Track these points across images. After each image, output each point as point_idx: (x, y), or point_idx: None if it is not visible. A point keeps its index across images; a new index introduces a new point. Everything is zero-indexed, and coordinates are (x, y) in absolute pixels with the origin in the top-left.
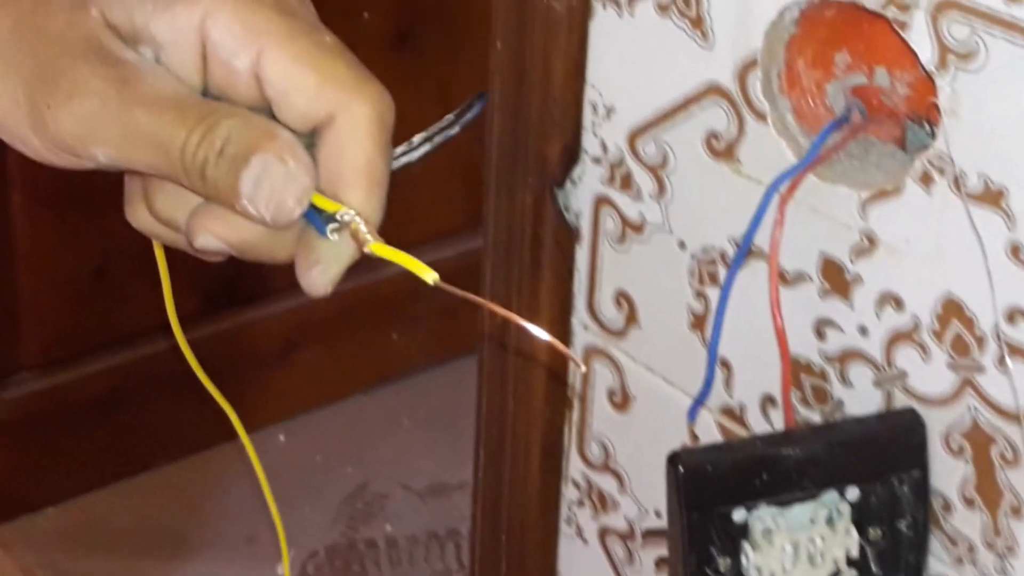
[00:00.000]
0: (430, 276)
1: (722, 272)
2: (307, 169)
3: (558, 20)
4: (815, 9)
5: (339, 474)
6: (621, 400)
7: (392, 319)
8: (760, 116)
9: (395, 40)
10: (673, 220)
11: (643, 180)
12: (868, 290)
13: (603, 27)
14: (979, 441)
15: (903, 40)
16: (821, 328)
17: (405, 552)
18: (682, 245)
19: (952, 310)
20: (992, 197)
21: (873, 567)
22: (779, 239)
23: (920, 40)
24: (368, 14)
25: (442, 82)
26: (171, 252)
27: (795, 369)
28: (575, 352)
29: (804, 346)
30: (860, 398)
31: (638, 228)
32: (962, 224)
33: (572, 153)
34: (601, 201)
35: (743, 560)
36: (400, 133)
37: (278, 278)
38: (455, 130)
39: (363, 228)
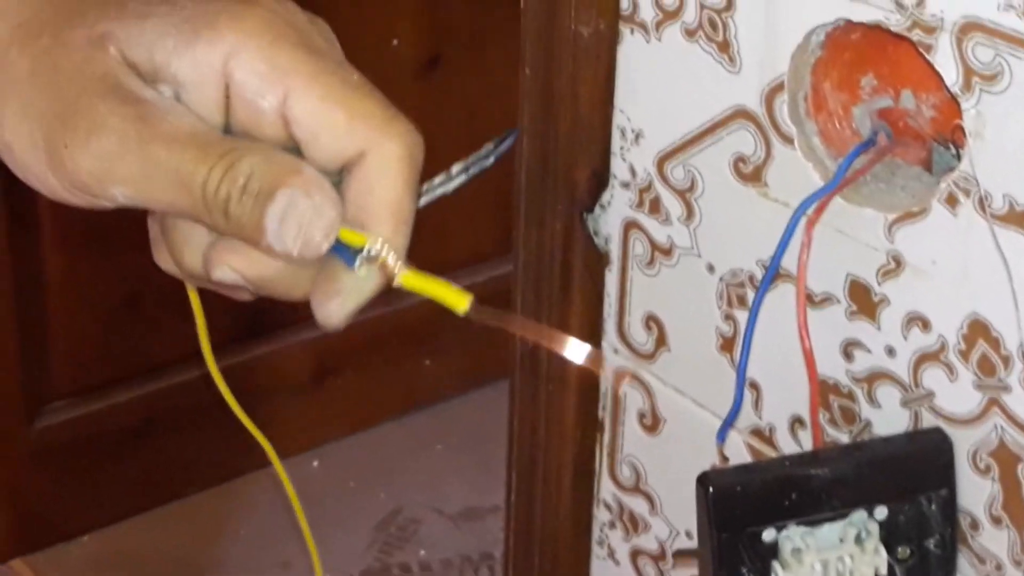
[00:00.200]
0: (462, 306)
1: (750, 295)
2: (334, 203)
3: (586, 46)
4: (841, 32)
5: (372, 499)
6: (651, 422)
7: (424, 345)
8: (787, 139)
9: (424, 66)
10: (701, 243)
11: (671, 204)
12: (895, 311)
13: (631, 52)
14: (1006, 460)
15: (928, 62)
16: (849, 349)
17: None
18: (711, 268)
19: (978, 330)
20: (1017, 218)
21: None
22: (806, 261)
23: (945, 62)
24: (398, 41)
25: (471, 107)
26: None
27: (823, 390)
28: (606, 378)
29: (832, 367)
30: (888, 418)
31: (667, 252)
32: (987, 245)
33: (601, 178)
34: (630, 225)
35: None
36: (430, 158)
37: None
38: (491, 161)
39: (392, 259)
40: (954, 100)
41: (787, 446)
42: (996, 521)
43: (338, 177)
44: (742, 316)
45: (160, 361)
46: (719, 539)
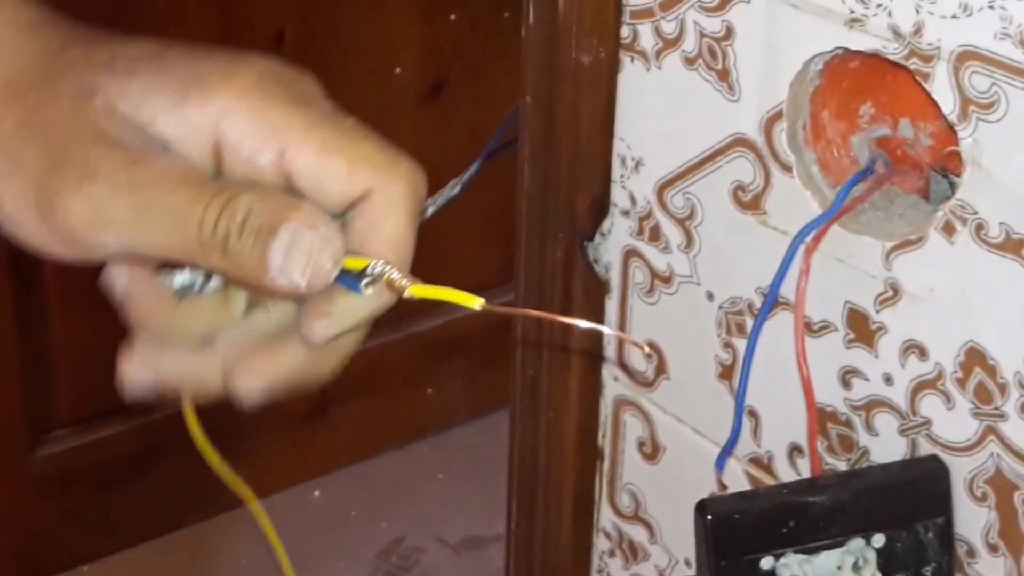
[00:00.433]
0: (476, 303)
1: (749, 322)
2: (338, 233)
3: (586, 74)
4: (839, 61)
5: (374, 529)
6: (651, 450)
7: (426, 374)
8: (786, 167)
9: (427, 93)
10: (701, 271)
11: (671, 232)
12: (892, 339)
13: (631, 80)
14: (1002, 487)
15: (926, 91)
16: (846, 377)
17: None
18: (710, 296)
19: (975, 358)
20: (1013, 246)
21: None
22: (805, 289)
23: (942, 91)
24: (401, 69)
25: (474, 134)
26: None
27: (821, 418)
28: (606, 402)
29: (830, 395)
30: (885, 446)
31: (666, 280)
32: (984, 273)
33: (601, 206)
34: (630, 253)
35: None
36: (433, 185)
37: None
38: (456, 191)
39: (396, 275)
40: (951, 128)
41: (785, 474)
42: (993, 549)
43: (340, 218)
44: (741, 344)
45: None
46: (718, 567)
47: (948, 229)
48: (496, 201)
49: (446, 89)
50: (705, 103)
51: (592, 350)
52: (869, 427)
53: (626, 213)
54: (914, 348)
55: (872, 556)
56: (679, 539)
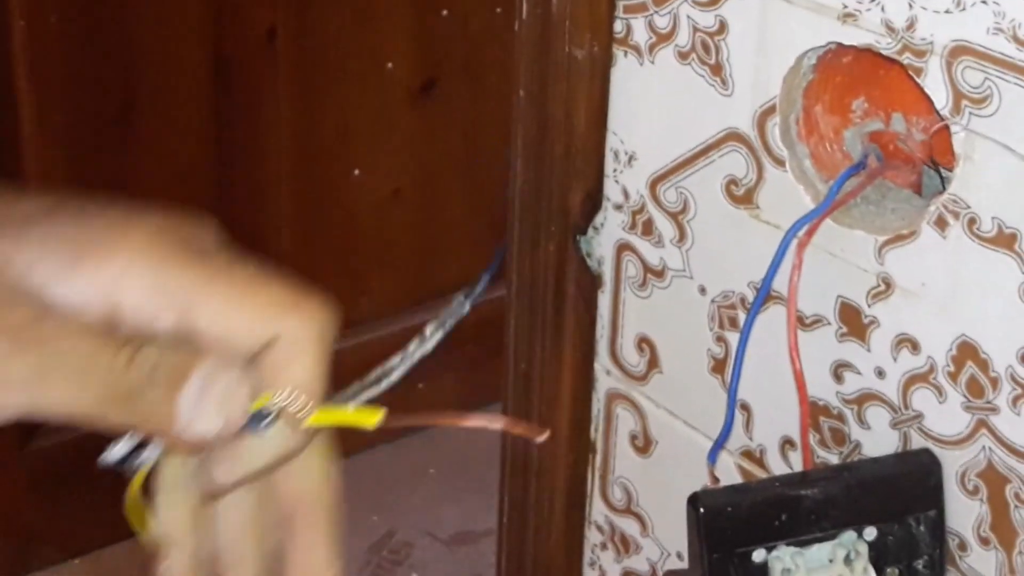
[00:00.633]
0: (375, 420)
1: (741, 316)
2: (248, 375)
3: (580, 69)
4: (832, 56)
5: (365, 523)
6: (643, 444)
7: (417, 369)
8: (778, 162)
9: (419, 90)
10: (693, 265)
11: (664, 226)
12: (885, 333)
13: (624, 75)
14: (994, 481)
15: (919, 86)
16: (839, 371)
17: None
18: (702, 290)
19: (967, 352)
20: (1005, 240)
21: None
22: (797, 283)
23: (935, 86)
24: (392, 65)
25: (466, 131)
26: None
27: (813, 411)
28: (598, 396)
29: (822, 389)
30: (877, 439)
31: (659, 274)
32: (976, 267)
33: (594, 200)
34: (623, 248)
35: None
36: (425, 183)
37: None
38: (466, 309)
39: (294, 406)
40: (944, 123)
41: (777, 467)
42: (984, 542)
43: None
44: (733, 338)
45: None
46: (710, 560)
47: (940, 223)
48: (488, 195)
49: (438, 85)
50: (698, 97)
51: (584, 344)
52: (861, 420)
53: (619, 207)
54: (906, 342)
55: (864, 549)
56: (671, 532)
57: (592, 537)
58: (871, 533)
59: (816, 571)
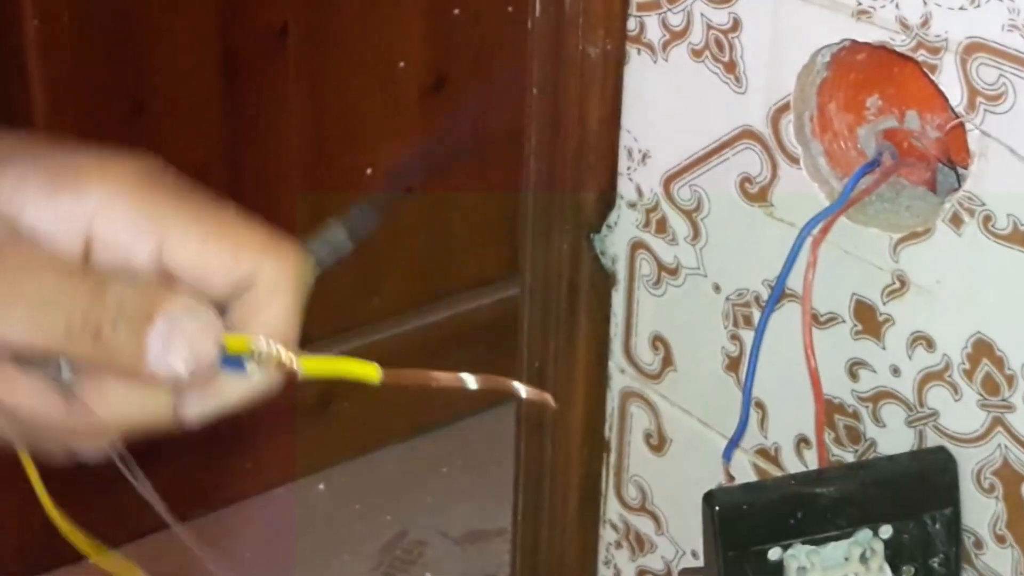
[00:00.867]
0: (374, 374)
1: (756, 314)
2: (216, 315)
3: (593, 66)
4: (846, 53)
5: (378, 522)
6: (658, 442)
7: (430, 368)
8: (793, 159)
9: (431, 87)
10: (708, 263)
11: (678, 224)
12: (900, 331)
13: (638, 73)
14: (1010, 479)
15: (933, 83)
16: (854, 369)
17: None
18: (716, 288)
19: (982, 349)
20: (1021, 237)
21: None
22: (812, 281)
23: (950, 83)
24: (404, 63)
25: (477, 129)
26: None
27: (828, 409)
28: (613, 395)
29: (837, 387)
30: (892, 437)
31: (673, 272)
32: (991, 264)
33: (608, 198)
34: (637, 245)
35: None
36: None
37: (315, 327)
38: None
39: (283, 354)
40: (958, 120)
41: (792, 465)
42: (1000, 540)
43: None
44: (748, 336)
45: None
46: (725, 558)
47: (955, 221)
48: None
49: (450, 83)
50: (712, 95)
51: (598, 343)
52: (876, 419)
53: (633, 205)
54: (921, 340)
55: (879, 547)
56: (686, 530)
57: (607, 536)
58: (887, 531)
59: (831, 569)
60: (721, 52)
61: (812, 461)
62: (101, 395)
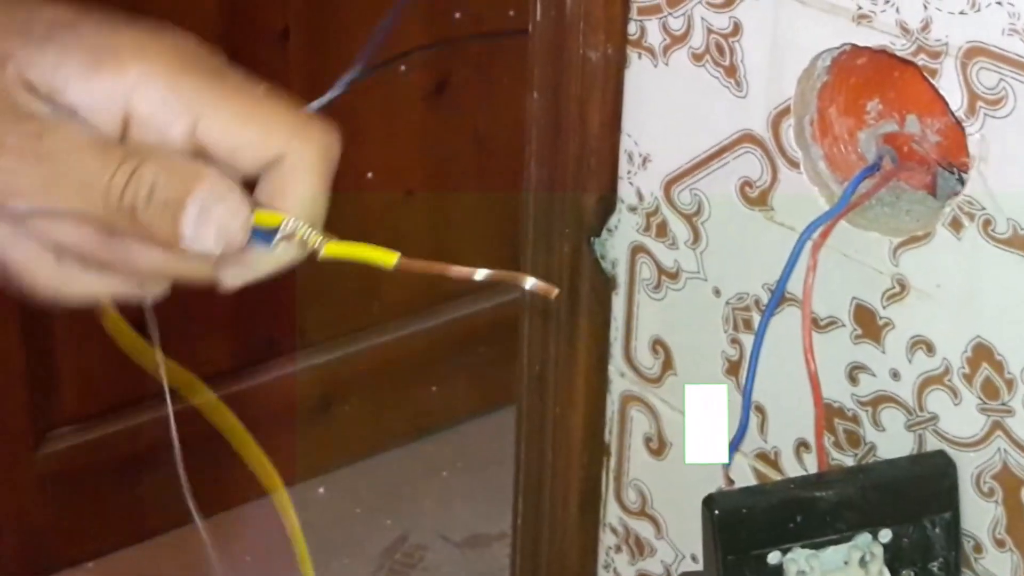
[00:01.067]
0: (392, 260)
1: (756, 318)
2: (246, 201)
3: (594, 70)
4: (847, 57)
5: (379, 526)
6: (658, 446)
7: (430, 372)
8: (793, 164)
9: (432, 91)
10: (708, 267)
11: (678, 228)
12: (900, 335)
13: (638, 76)
14: (1009, 483)
15: (933, 87)
16: (854, 373)
17: None
18: (717, 292)
19: (982, 354)
20: (1021, 242)
21: None
22: (812, 285)
23: (950, 87)
24: (405, 67)
25: (478, 132)
26: (207, 304)
27: (828, 413)
28: (613, 398)
29: (837, 391)
30: (892, 441)
31: (673, 276)
32: (991, 269)
33: (608, 202)
34: (637, 249)
35: None
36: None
37: (316, 331)
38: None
39: (309, 234)
40: (959, 124)
41: (792, 469)
42: (1000, 544)
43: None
44: (748, 340)
45: None
46: (725, 561)
47: (955, 225)
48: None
49: (451, 87)
50: (712, 99)
51: (598, 346)
52: (876, 423)
53: (633, 209)
54: (921, 344)
55: (879, 551)
56: (686, 534)
57: (607, 539)
58: (886, 535)
59: (831, 573)
60: (721, 56)
61: (812, 465)
62: (142, 249)
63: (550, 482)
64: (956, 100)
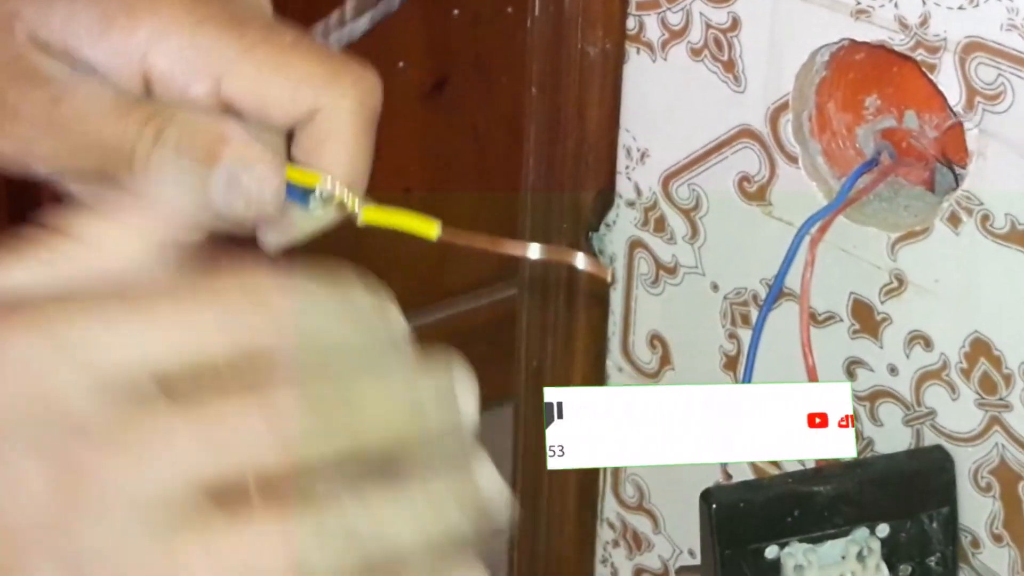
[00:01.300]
0: (433, 230)
1: (754, 313)
2: (275, 167)
3: (592, 65)
4: (845, 52)
5: None
6: None
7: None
8: (791, 159)
9: (431, 88)
10: (706, 262)
11: (676, 223)
12: (897, 330)
13: (637, 71)
14: (1007, 478)
15: (932, 83)
16: (851, 367)
17: None
18: (715, 287)
19: (980, 349)
20: (1019, 237)
21: None
22: (810, 280)
23: (948, 82)
24: (403, 63)
25: (477, 128)
26: None
27: None
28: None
29: None
30: (890, 436)
31: (671, 271)
32: (989, 264)
33: (606, 197)
34: (635, 244)
35: None
36: (437, 181)
37: None
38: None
39: (347, 197)
40: (957, 120)
41: (790, 464)
42: (997, 539)
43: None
44: (746, 335)
45: None
46: (722, 556)
47: (953, 220)
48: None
49: (450, 84)
50: (711, 94)
51: (596, 342)
52: (874, 417)
53: (631, 204)
54: (919, 339)
55: (876, 546)
56: (683, 529)
57: (604, 534)
58: (884, 530)
59: (828, 568)
60: (720, 51)
61: (809, 459)
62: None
63: (548, 477)
64: (954, 95)
